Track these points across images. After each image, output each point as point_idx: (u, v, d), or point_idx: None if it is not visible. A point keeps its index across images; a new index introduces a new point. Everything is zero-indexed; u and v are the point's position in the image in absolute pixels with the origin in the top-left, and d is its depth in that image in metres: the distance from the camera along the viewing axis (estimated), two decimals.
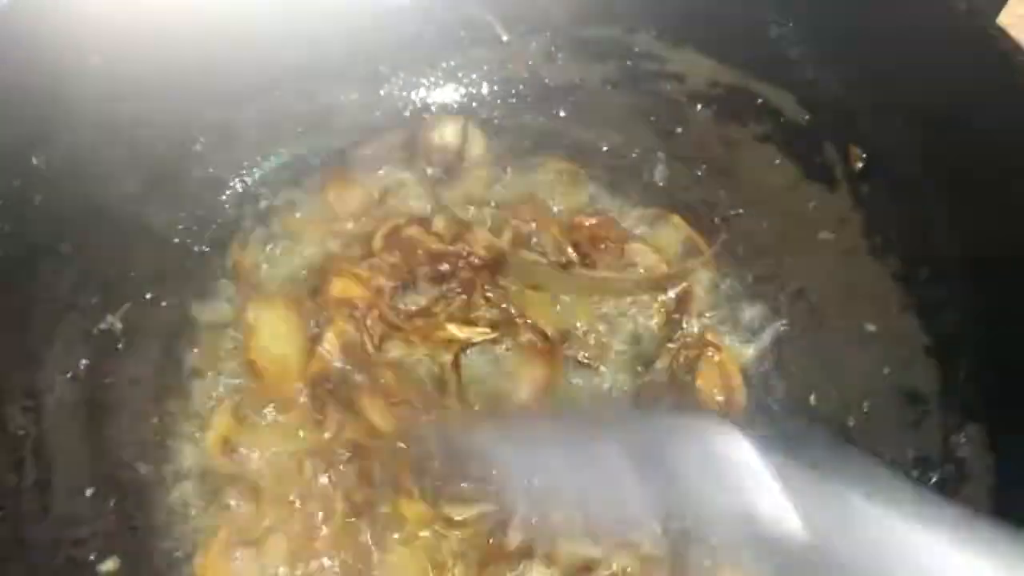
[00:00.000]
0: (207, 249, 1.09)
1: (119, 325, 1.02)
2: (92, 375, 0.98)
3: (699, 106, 1.10)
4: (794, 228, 1.04)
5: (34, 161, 0.94)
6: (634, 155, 1.13)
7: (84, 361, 0.98)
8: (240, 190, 1.13)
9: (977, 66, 0.82)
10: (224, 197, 1.12)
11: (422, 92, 1.17)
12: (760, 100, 1.05)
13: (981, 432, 0.82)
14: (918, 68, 0.87)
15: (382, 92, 1.17)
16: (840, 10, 0.94)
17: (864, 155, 0.97)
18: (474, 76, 1.18)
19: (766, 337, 0.99)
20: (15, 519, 0.83)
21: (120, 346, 1.02)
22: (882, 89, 0.92)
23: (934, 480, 0.84)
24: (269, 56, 1.09)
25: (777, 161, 1.05)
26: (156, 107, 1.03)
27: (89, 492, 0.90)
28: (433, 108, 1.17)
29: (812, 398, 0.96)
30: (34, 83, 0.91)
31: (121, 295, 1.04)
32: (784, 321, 1.01)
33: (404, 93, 1.19)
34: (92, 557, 0.87)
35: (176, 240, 1.09)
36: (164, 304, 1.06)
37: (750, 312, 1.02)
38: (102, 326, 1.01)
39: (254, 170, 1.13)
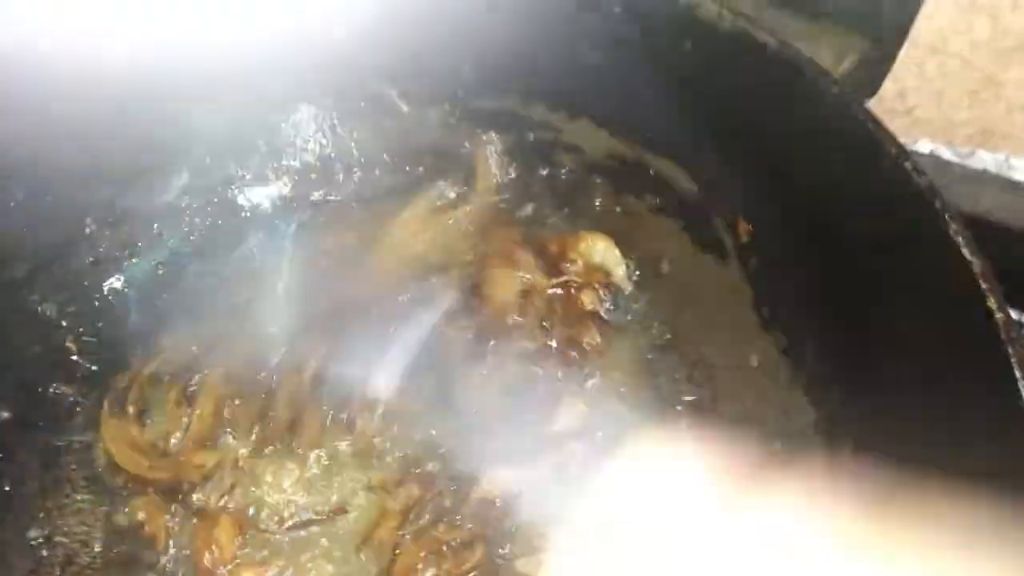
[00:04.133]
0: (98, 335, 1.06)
1: (7, 415, 0.99)
2: None
3: (597, 178, 1.11)
4: (687, 298, 1.05)
5: None
6: (533, 224, 1.13)
7: None
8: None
9: (850, 152, 0.84)
10: (118, 282, 1.09)
11: (312, 174, 1.16)
12: (653, 172, 1.06)
13: None
14: (796, 151, 0.88)
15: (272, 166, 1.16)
16: (722, 95, 0.95)
17: (751, 228, 0.98)
18: (374, 147, 1.17)
19: None
20: None
21: (7, 439, 0.98)
22: (764, 169, 0.94)
23: None
24: (163, 132, 1.07)
25: (671, 232, 1.06)
26: (41, 188, 1.01)
27: None
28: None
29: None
30: None
31: (7, 385, 1.00)
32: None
33: (299, 167, 1.18)
34: None
35: (65, 324, 1.05)
36: (54, 394, 1.02)
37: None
38: None
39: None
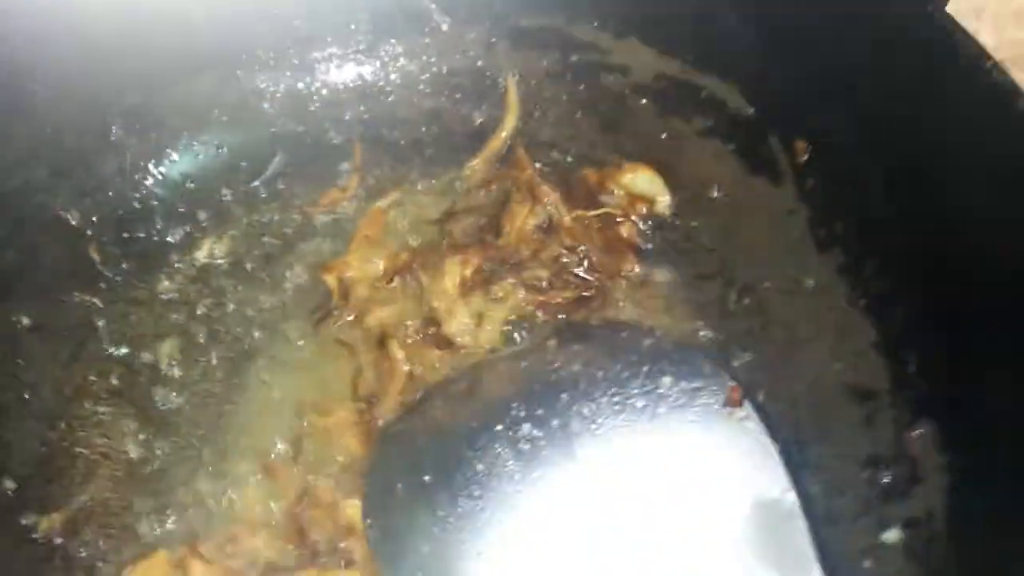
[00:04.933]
0: (123, 245, 1.01)
1: (25, 321, 0.94)
2: None
3: (643, 99, 1.07)
4: (737, 224, 1.01)
5: None
6: (576, 148, 1.09)
7: None
8: (159, 180, 1.05)
9: (926, 60, 0.80)
10: (142, 190, 1.04)
11: (356, 80, 1.11)
12: (704, 93, 1.02)
13: (933, 430, 0.79)
14: (865, 61, 0.85)
15: (316, 81, 1.11)
16: (789, 4, 0.91)
17: (810, 148, 0.95)
18: (411, 66, 1.13)
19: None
20: None
21: (25, 344, 0.93)
22: (829, 83, 0.90)
23: (888, 480, 0.81)
24: (192, 39, 1.03)
25: (720, 155, 1.02)
26: (69, 90, 0.96)
27: None
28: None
29: (760, 396, 0.93)
30: None
31: (30, 289, 0.96)
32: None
33: (339, 81, 1.13)
34: None
35: (90, 232, 1.01)
36: (75, 303, 0.98)
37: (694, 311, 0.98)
38: (5, 321, 0.93)
39: (175, 161, 1.06)
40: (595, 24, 1.07)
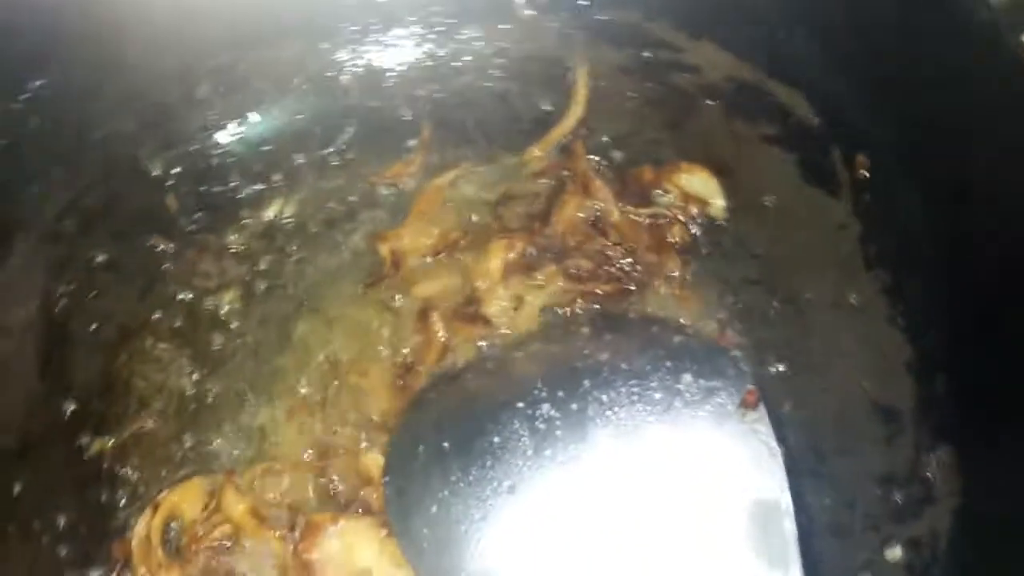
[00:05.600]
0: (198, 198, 1.08)
1: (101, 258, 1.02)
2: (65, 304, 0.97)
3: (710, 100, 1.07)
4: (788, 233, 1.00)
5: (36, 84, 0.94)
6: (637, 144, 1.10)
7: (60, 289, 0.98)
8: (238, 139, 1.12)
9: (998, 87, 0.78)
10: (221, 147, 1.11)
11: (431, 59, 1.15)
12: (772, 99, 1.02)
13: (951, 454, 0.78)
14: (935, 83, 0.83)
15: (393, 58, 1.16)
16: (862, 19, 0.90)
17: (870, 164, 0.93)
18: (487, 50, 1.16)
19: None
20: None
21: (99, 279, 1.01)
22: (896, 101, 0.89)
23: (899, 499, 0.79)
24: (282, 6, 1.08)
25: (781, 163, 1.01)
26: (160, 47, 1.03)
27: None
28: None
29: (787, 406, 0.92)
30: (40, 5, 0.91)
31: (108, 229, 1.03)
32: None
33: (416, 60, 1.17)
34: None
35: (169, 183, 1.08)
36: (148, 247, 1.05)
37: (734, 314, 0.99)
38: (83, 257, 1.01)
39: (255, 122, 1.12)
40: (672, 23, 1.08)
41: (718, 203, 1.07)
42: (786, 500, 0.70)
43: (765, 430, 0.74)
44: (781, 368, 0.95)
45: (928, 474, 0.78)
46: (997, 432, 0.74)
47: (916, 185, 0.89)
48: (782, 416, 0.91)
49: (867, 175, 0.94)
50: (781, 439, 0.83)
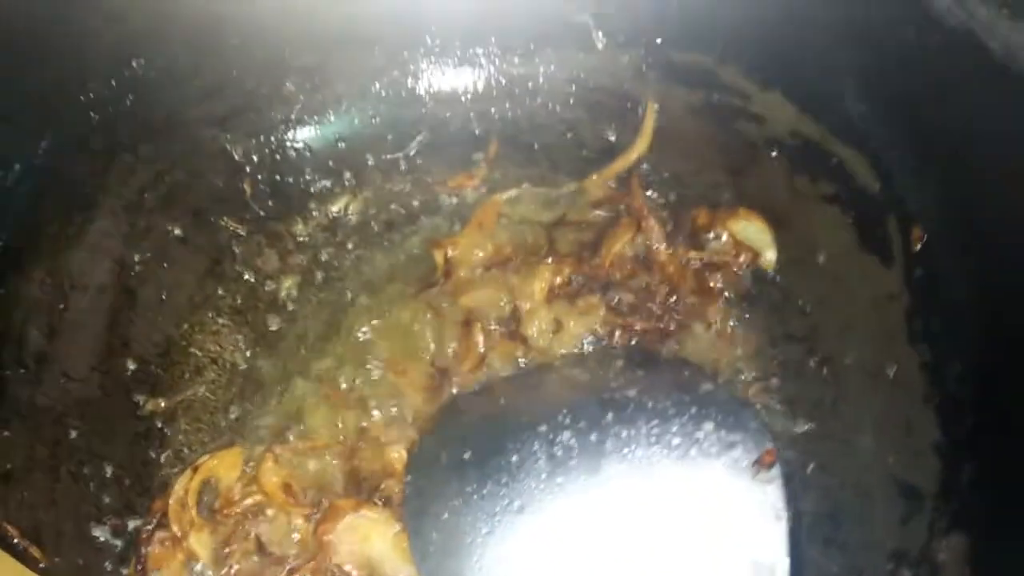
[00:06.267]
0: (272, 185, 1.14)
1: (177, 232, 1.09)
2: (139, 270, 1.05)
3: (774, 152, 1.08)
4: (837, 294, 1.00)
5: (133, 64, 1.01)
6: (697, 186, 1.11)
7: (136, 256, 1.05)
8: (316, 135, 1.17)
9: None
10: (300, 141, 1.16)
11: (508, 80, 1.19)
12: (835, 160, 1.02)
13: (965, 543, 0.77)
14: (996, 166, 0.83)
15: (472, 75, 1.20)
16: (926, 96, 0.90)
17: (925, 238, 0.93)
18: (561, 76, 1.19)
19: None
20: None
21: (172, 252, 1.08)
22: (959, 180, 0.88)
23: None
24: (371, 15, 1.13)
25: (838, 224, 1.01)
26: (257, 41, 1.09)
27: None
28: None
29: (811, 467, 0.93)
30: None
31: (186, 206, 1.10)
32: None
33: (491, 79, 1.21)
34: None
35: (248, 169, 1.14)
36: (221, 226, 1.12)
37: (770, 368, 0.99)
38: (160, 229, 1.08)
39: (333, 121, 1.18)
40: (743, 69, 1.09)
41: (770, 254, 1.08)
42: (783, 567, 0.71)
43: (775, 492, 0.75)
44: (809, 428, 0.95)
45: (939, 558, 0.78)
46: (1015, 528, 0.73)
47: (969, 266, 0.88)
48: (803, 477, 0.92)
49: (922, 248, 0.93)
50: (795, 500, 0.84)
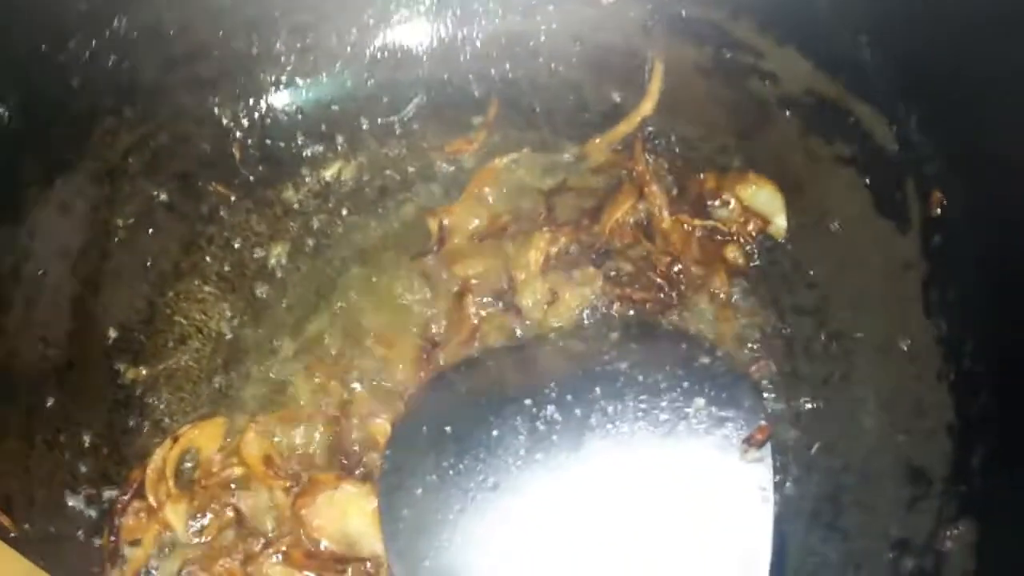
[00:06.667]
0: (262, 149, 1.10)
1: (163, 197, 1.06)
2: (122, 236, 1.02)
3: (788, 112, 1.01)
4: (850, 264, 0.94)
5: (115, 24, 0.98)
6: (705, 149, 1.05)
7: (120, 221, 1.03)
8: (308, 98, 1.13)
9: None
10: (291, 104, 1.12)
11: (508, 38, 1.13)
12: (852, 119, 0.95)
13: (974, 531, 0.71)
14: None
15: (471, 33, 1.14)
16: (943, 48, 0.83)
17: (945, 203, 0.86)
18: (565, 34, 1.13)
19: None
20: None
21: (157, 217, 1.05)
22: (983, 143, 0.81)
23: (909, 567, 0.74)
24: None
25: (853, 187, 0.94)
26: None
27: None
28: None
29: (815, 448, 0.87)
30: None
31: (172, 170, 1.07)
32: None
33: (492, 36, 1.15)
34: None
35: (237, 133, 1.11)
36: (209, 192, 1.08)
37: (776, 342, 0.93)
38: (145, 194, 1.05)
39: (326, 83, 1.13)
40: (757, 24, 1.02)
41: (780, 222, 1.01)
42: (766, 551, 0.66)
43: (762, 472, 0.70)
44: (814, 406, 0.89)
45: (945, 548, 0.72)
46: None
47: (990, 234, 0.81)
48: (807, 459, 0.86)
49: (941, 214, 0.86)
50: (797, 483, 0.79)
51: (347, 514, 0.87)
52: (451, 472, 0.78)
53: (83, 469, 0.92)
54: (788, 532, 0.75)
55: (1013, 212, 0.78)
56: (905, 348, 0.86)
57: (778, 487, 0.77)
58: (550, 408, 0.81)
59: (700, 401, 0.77)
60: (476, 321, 1.00)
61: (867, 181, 0.94)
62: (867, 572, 0.76)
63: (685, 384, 0.80)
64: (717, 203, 1.02)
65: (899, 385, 0.85)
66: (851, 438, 0.86)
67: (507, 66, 1.15)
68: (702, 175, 1.04)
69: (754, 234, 1.01)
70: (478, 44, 1.15)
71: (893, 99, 0.90)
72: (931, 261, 0.87)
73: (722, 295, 0.98)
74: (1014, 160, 0.77)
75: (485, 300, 1.01)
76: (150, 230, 1.05)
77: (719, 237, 1.01)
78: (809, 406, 0.90)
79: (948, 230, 0.85)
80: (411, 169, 1.13)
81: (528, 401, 0.83)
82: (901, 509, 0.78)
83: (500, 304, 1.01)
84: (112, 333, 1.00)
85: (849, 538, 0.79)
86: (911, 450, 0.81)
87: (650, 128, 1.08)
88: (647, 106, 1.09)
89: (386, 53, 1.15)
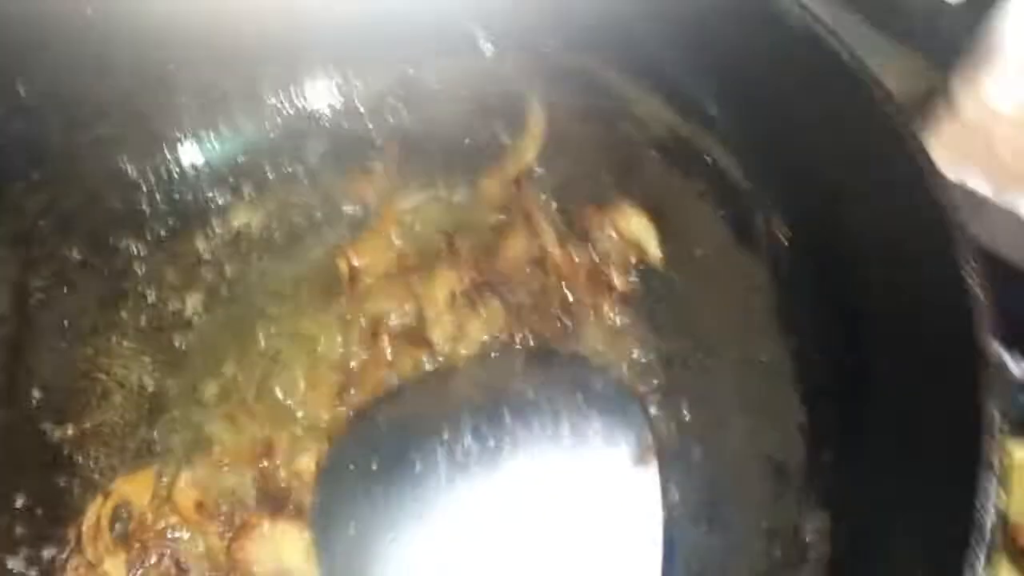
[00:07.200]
0: (171, 203, 1.15)
1: (76, 256, 1.09)
2: (39, 297, 1.05)
3: (654, 152, 1.14)
4: (716, 287, 1.08)
5: (18, 89, 1.01)
6: (586, 187, 1.17)
7: (35, 283, 1.05)
8: (214, 150, 1.18)
9: (894, 180, 0.86)
10: (197, 157, 1.17)
11: (400, 89, 1.21)
12: (710, 158, 1.09)
13: (828, 521, 0.86)
14: (838, 165, 0.91)
15: (365, 85, 1.22)
16: (776, 89, 0.97)
17: (790, 233, 1.01)
18: (455, 82, 1.22)
19: None
20: None
21: (72, 276, 1.08)
22: (810, 178, 0.96)
23: (778, 554, 0.88)
24: (263, 32, 1.14)
25: (712, 219, 1.09)
26: (144, 57, 1.09)
27: None
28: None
29: (696, 453, 1.01)
30: (28, 13, 0.97)
31: (84, 229, 1.10)
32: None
33: (389, 86, 1.23)
34: None
35: (145, 188, 1.15)
36: (121, 248, 1.12)
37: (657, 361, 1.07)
38: (59, 255, 1.08)
39: (230, 135, 1.19)
40: (627, 75, 1.14)
41: (654, 250, 1.14)
42: (657, 551, 0.78)
43: (652, 481, 0.82)
44: (693, 417, 1.03)
45: (807, 538, 0.87)
46: (870, 509, 0.82)
47: (829, 262, 0.96)
48: (688, 464, 1.00)
49: (786, 243, 1.01)
50: (680, 487, 0.92)
51: (282, 552, 0.95)
52: (380, 507, 0.87)
53: (19, 531, 0.95)
54: (676, 533, 0.87)
55: (842, 243, 0.93)
56: (764, 360, 1.01)
57: (665, 493, 0.90)
58: (467, 439, 0.91)
59: (596, 423, 0.89)
60: (391, 357, 1.09)
61: (723, 214, 1.08)
62: (746, 561, 0.90)
63: (583, 407, 0.91)
64: (600, 235, 1.14)
65: (761, 392, 1.00)
66: (725, 442, 1.00)
67: (404, 113, 1.23)
68: (585, 210, 1.16)
69: (634, 262, 1.14)
70: (375, 95, 1.23)
71: (739, 144, 1.05)
72: (780, 285, 1.02)
73: (609, 321, 1.10)
74: (843, 200, 0.93)
75: (397, 336, 1.10)
76: (65, 289, 1.08)
77: (604, 267, 1.13)
78: (687, 417, 1.03)
79: (792, 258, 1.00)
80: (318, 214, 1.20)
81: (445, 435, 0.93)
82: (769, 502, 0.93)
83: (412, 340, 1.10)
84: (36, 394, 1.03)
85: (729, 530, 0.93)
86: (772, 450, 0.95)
87: (537, 168, 1.19)
88: (530, 147, 1.20)
89: (286, 105, 1.21)
